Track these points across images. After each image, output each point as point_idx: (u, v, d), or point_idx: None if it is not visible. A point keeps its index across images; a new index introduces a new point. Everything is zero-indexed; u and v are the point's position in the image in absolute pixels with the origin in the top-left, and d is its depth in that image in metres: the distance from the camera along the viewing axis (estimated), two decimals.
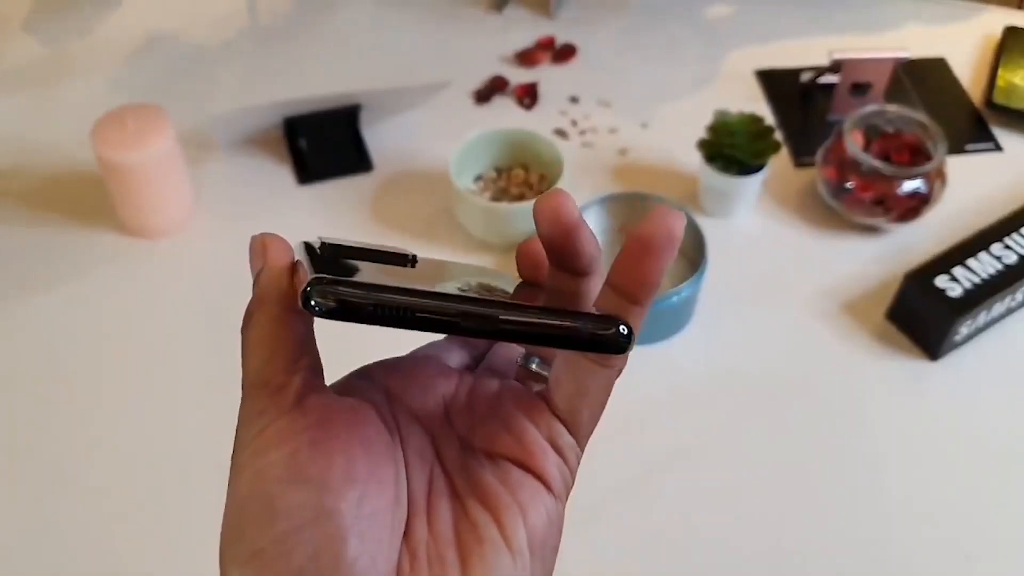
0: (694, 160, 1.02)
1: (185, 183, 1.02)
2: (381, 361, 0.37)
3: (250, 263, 0.34)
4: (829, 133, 1.04)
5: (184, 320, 0.96)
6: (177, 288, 0.99)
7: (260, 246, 0.33)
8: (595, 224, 0.99)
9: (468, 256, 0.99)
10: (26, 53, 1.24)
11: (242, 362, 0.33)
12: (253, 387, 0.32)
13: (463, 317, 0.28)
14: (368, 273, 0.31)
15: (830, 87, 1.14)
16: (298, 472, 0.30)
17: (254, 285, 0.33)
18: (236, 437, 0.32)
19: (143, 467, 0.85)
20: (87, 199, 1.04)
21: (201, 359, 0.92)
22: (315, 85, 1.15)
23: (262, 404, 0.31)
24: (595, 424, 0.34)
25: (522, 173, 1.03)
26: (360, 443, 0.32)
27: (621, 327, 0.29)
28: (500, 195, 1.02)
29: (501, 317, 0.28)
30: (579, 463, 0.34)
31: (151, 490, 0.84)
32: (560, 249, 0.32)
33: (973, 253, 0.93)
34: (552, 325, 0.29)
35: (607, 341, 0.29)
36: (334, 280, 0.27)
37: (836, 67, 1.11)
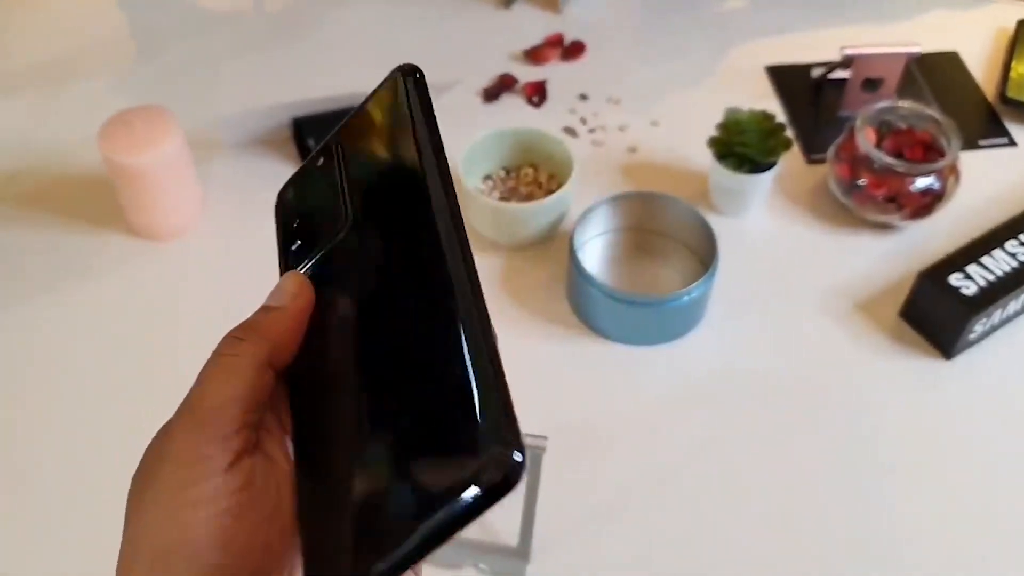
0: (705, 158, 1.02)
1: (193, 184, 1.02)
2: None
3: (273, 293, 0.34)
4: (841, 130, 1.03)
5: (193, 321, 0.96)
6: (186, 289, 0.98)
7: (294, 287, 0.34)
8: (604, 223, 0.98)
9: (478, 256, 0.98)
10: (32, 55, 1.24)
11: (201, 379, 0.33)
12: (205, 420, 0.32)
13: (421, 551, 0.28)
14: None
15: (841, 83, 1.13)
16: (224, 540, 0.30)
17: (261, 312, 0.34)
18: (164, 465, 0.32)
19: None
20: (95, 201, 1.04)
21: None
22: (323, 85, 1.14)
23: (208, 448, 0.31)
24: None
25: (531, 172, 1.02)
26: (276, 517, 0.32)
27: (514, 457, 0.27)
28: (509, 195, 1.01)
29: (438, 532, 0.27)
30: None
31: None
32: None
33: (988, 250, 0.92)
34: (455, 520, 0.27)
35: (510, 484, 0.27)
36: None
37: (847, 63, 1.10)
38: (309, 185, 0.38)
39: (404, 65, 0.35)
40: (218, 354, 0.33)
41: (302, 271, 0.36)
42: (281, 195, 0.39)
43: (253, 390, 0.32)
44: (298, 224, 0.37)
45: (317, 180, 0.37)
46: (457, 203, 0.32)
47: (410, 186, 0.33)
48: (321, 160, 0.37)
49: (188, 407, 0.32)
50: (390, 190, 0.34)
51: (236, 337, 0.33)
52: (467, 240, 0.32)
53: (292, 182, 0.39)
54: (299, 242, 0.37)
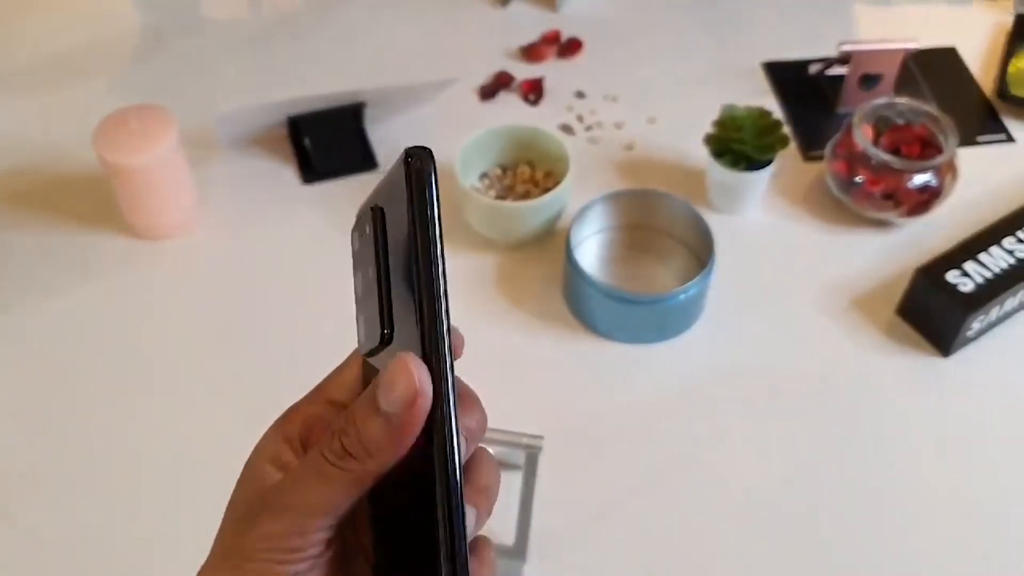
0: (701, 155, 1.01)
1: (189, 184, 1.01)
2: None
3: (387, 385, 0.30)
4: (838, 126, 1.02)
5: (191, 321, 0.96)
6: (183, 289, 0.98)
7: (409, 390, 0.30)
8: (601, 221, 0.98)
9: (474, 254, 0.98)
10: (32, 54, 1.24)
11: (317, 478, 0.32)
12: (293, 519, 0.32)
13: None
14: None
15: (839, 79, 1.13)
16: None
17: (380, 420, 0.31)
18: (261, 546, 0.32)
19: (152, 468, 0.85)
20: (92, 201, 1.03)
21: (209, 359, 0.92)
22: (319, 83, 1.14)
23: (294, 540, 0.32)
24: None
25: (528, 170, 1.02)
26: None
27: None
28: (505, 193, 1.01)
29: None
30: None
31: (157, 491, 0.84)
32: None
33: (985, 247, 0.92)
34: None
35: None
36: None
37: (845, 59, 1.10)
38: (363, 254, 0.36)
39: (412, 151, 0.33)
40: (322, 458, 0.32)
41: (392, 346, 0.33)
42: (352, 234, 0.37)
43: (348, 500, 0.32)
44: (362, 288, 0.36)
45: (366, 256, 0.35)
46: (445, 337, 0.31)
47: (416, 328, 0.32)
48: (367, 229, 0.35)
49: (279, 498, 0.32)
50: (406, 318, 0.32)
51: (344, 449, 0.31)
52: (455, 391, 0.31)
53: (357, 228, 0.37)
54: (368, 307, 0.35)
